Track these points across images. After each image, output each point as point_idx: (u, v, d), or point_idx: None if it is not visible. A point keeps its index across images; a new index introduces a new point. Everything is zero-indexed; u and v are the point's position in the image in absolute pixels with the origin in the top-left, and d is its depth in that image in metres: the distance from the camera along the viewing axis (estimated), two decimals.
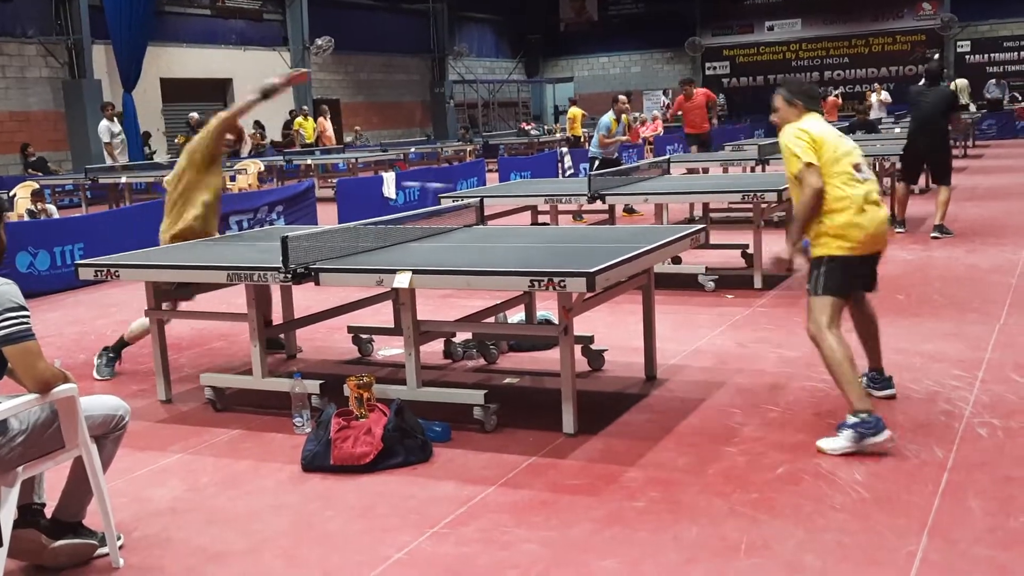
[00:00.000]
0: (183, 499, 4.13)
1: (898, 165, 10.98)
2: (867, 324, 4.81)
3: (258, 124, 23.27)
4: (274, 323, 6.16)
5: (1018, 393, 4.88)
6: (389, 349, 6.35)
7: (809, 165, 4.35)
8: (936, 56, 9.49)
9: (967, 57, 31.68)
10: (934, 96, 9.95)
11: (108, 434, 3.48)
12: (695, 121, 15.84)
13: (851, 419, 4.16)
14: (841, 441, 4.16)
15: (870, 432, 4.11)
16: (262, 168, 17.60)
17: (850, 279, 4.47)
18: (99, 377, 6.03)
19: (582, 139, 20.99)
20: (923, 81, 10.64)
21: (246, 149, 20.37)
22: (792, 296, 7.41)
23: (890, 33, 32.89)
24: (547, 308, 6.30)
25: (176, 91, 24.35)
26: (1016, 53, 30.41)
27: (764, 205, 7.94)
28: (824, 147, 4.41)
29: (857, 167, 4.45)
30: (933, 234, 9.92)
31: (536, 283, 4.29)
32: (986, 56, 31.21)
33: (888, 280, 7.91)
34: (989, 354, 5.59)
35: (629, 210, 12.45)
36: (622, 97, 13.95)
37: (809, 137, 4.42)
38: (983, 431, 4.39)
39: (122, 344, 6.09)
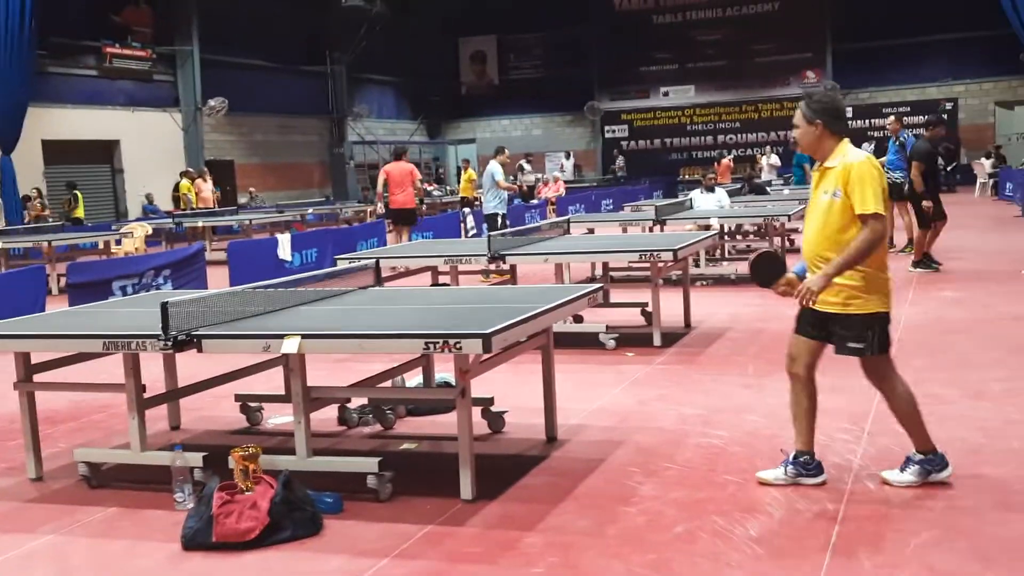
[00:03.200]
0: None
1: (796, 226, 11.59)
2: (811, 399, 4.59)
3: (39, 191, 21.69)
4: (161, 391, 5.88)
5: (903, 445, 4.91)
6: (279, 417, 6.12)
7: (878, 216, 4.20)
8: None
9: (850, 123, 33.07)
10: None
11: None
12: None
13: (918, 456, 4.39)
14: (908, 476, 4.38)
15: (936, 468, 4.37)
16: (149, 231, 17.12)
17: None
18: None
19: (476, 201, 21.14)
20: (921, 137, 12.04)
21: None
22: (690, 353, 7.46)
23: (778, 100, 34.19)
24: (446, 370, 6.18)
25: (60, 153, 23.60)
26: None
27: (661, 264, 8.03)
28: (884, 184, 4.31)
29: None
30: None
31: (431, 345, 4.18)
32: (867, 121, 32.68)
33: (780, 336, 8.05)
34: (875, 407, 5.67)
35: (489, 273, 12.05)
36: (505, 150, 14.14)
37: (882, 176, 4.28)
38: (871, 483, 4.44)
39: None
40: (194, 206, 22.59)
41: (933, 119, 11.97)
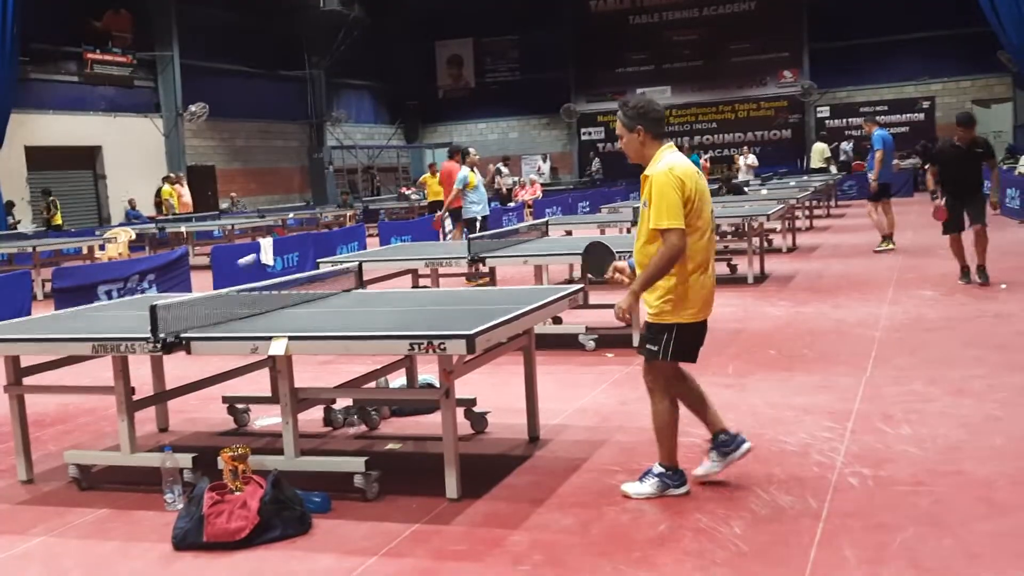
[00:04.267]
0: None
1: (776, 226, 11.34)
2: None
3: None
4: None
5: (885, 443, 5.06)
6: (266, 419, 6.17)
7: (672, 230, 4.18)
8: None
9: (827, 122, 33.38)
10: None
11: None
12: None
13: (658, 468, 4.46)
14: (646, 488, 4.43)
15: (675, 483, 4.44)
16: (132, 236, 17.09)
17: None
18: None
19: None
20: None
21: None
22: None
23: (755, 100, 34.46)
24: (429, 371, 6.24)
25: (42, 159, 23.53)
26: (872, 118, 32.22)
27: None
28: (690, 193, 4.22)
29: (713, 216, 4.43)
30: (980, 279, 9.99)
31: (416, 346, 4.25)
32: (844, 120, 32.98)
33: (760, 336, 8.18)
34: (857, 405, 5.79)
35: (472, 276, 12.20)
36: (472, 150, 14.12)
37: (681, 186, 4.19)
38: (854, 480, 4.53)
39: None
40: (176, 211, 22.56)
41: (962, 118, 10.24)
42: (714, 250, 4.42)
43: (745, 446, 4.53)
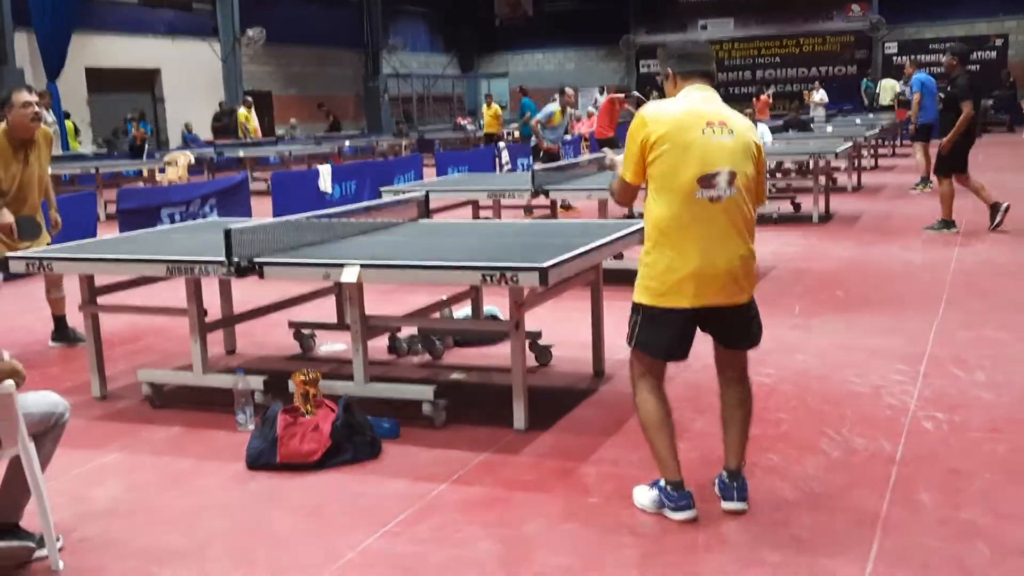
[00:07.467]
0: (123, 499, 3.98)
1: (841, 164, 11.05)
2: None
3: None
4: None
5: (959, 387, 4.97)
6: (331, 345, 6.23)
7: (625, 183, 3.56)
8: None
9: (894, 58, 32.42)
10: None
11: (47, 432, 3.33)
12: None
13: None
14: (646, 500, 3.66)
15: (672, 504, 3.56)
16: (192, 160, 17.21)
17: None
18: None
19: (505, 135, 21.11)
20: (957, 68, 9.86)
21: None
22: None
23: (820, 34, 33.53)
24: (491, 303, 6.24)
25: (102, 81, 23.72)
26: (940, 55, 31.10)
27: None
28: (656, 139, 3.38)
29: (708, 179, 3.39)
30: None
31: (488, 278, 4.22)
32: (912, 57, 31.93)
33: (826, 276, 8.05)
34: (929, 348, 5.68)
35: (566, 206, 12.46)
36: (569, 90, 14.08)
37: (641, 129, 3.42)
38: (928, 425, 4.46)
39: None
40: (251, 135, 22.77)
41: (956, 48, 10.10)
42: (709, 233, 3.39)
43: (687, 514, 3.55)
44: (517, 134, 21.38)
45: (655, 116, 3.43)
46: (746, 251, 3.48)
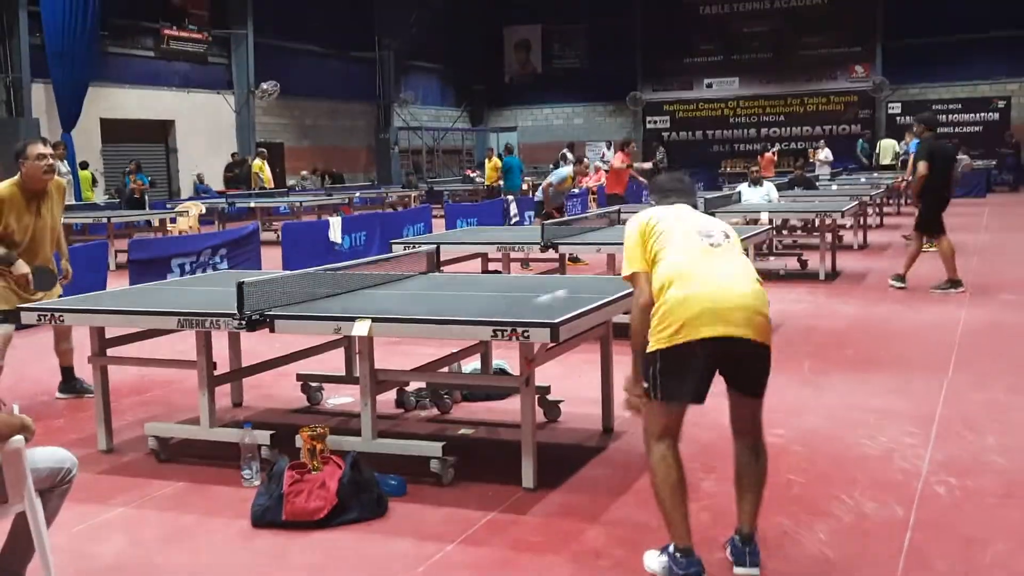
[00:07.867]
0: (127, 555, 3.94)
1: (847, 222, 11.14)
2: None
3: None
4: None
5: (970, 451, 4.92)
6: (338, 398, 6.21)
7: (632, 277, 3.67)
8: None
9: (897, 119, 32.64)
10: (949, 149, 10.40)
11: (54, 488, 3.30)
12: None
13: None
14: (656, 565, 3.61)
15: (682, 570, 3.47)
16: (203, 210, 17.32)
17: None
18: None
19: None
20: (924, 133, 10.36)
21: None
22: None
23: (824, 94, 33.79)
24: (500, 357, 6.22)
25: (116, 131, 23.98)
26: (944, 116, 31.39)
27: None
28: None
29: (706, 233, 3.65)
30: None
31: (499, 333, 4.21)
32: (909, 119, 32.24)
33: (834, 334, 8.02)
34: (940, 410, 5.64)
35: (574, 259, 12.49)
36: (586, 161, 14.28)
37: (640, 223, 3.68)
38: (941, 490, 4.40)
39: None
40: (264, 185, 22.99)
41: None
42: (718, 265, 3.52)
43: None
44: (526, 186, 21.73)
45: (650, 212, 3.75)
46: (757, 286, 3.54)
